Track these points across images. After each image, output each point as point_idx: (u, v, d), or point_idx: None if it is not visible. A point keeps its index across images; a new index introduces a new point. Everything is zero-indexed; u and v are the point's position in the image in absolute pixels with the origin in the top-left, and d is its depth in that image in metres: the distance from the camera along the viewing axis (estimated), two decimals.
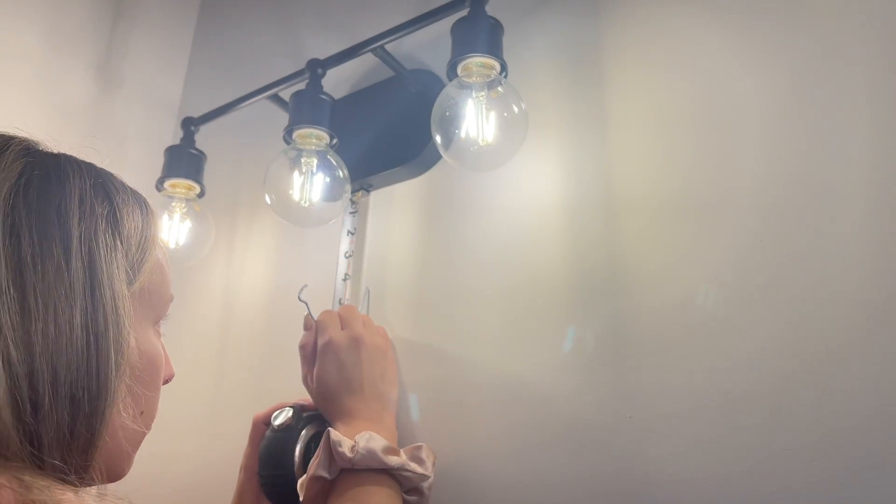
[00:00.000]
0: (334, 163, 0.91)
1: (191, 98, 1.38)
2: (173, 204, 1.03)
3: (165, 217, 1.02)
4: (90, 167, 0.52)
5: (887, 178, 0.61)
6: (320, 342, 0.83)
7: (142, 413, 0.52)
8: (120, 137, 1.29)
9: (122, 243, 0.50)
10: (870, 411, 0.57)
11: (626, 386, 0.70)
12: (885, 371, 0.57)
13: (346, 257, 0.96)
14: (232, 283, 1.14)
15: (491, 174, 0.87)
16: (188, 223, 1.03)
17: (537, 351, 0.77)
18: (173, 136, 1.29)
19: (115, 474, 0.51)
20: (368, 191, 1.01)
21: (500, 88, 0.79)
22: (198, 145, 1.05)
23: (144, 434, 0.55)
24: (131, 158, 1.28)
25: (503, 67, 0.78)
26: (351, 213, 0.98)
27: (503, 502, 0.74)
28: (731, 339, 0.65)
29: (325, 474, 0.73)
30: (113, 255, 0.49)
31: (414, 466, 0.74)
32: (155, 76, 1.37)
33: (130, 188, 0.55)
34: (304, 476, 0.74)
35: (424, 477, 0.74)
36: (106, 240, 0.49)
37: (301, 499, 0.74)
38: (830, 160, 0.64)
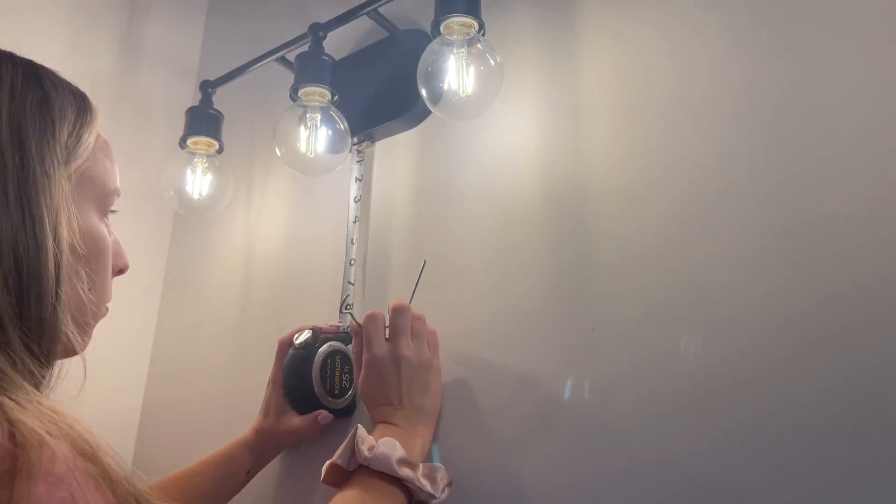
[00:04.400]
0: (336, 117, 1.01)
1: (208, 63, 1.48)
2: (195, 160, 1.13)
3: (188, 171, 1.13)
4: (25, 61, 0.55)
5: (850, 154, 0.69)
6: (365, 355, 0.85)
7: (91, 292, 0.56)
8: (145, 101, 1.39)
9: (52, 124, 0.53)
10: (824, 333, 0.67)
11: (590, 303, 0.80)
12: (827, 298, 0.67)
13: (355, 201, 1.06)
14: (251, 229, 1.25)
15: (476, 125, 0.97)
16: (209, 177, 1.14)
17: (514, 272, 0.87)
18: (193, 98, 1.39)
19: (70, 350, 0.55)
20: (373, 142, 1.11)
21: (478, 45, 0.88)
22: (216, 106, 1.15)
23: (97, 314, 0.59)
24: (156, 120, 1.39)
25: (481, 26, 0.87)
26: (358, 161, 1.08)
27: (479, 393, 0.85)
28: (682, 261, 0.75)
29: (341, 463, 0.76)
30: (42, 133, 0.52)
31: (423, 483, 0.76)
32: (174, 44, 1.47)
33: (68, 83, 0.58)
34: (328, 461, 0.78)
35: (431, 496, 0.77)
36: (35, 119, 0.52)
37: (321, 480, 0.79)
38: (794, 142, 0.71)
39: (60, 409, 0.47)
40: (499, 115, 0.95)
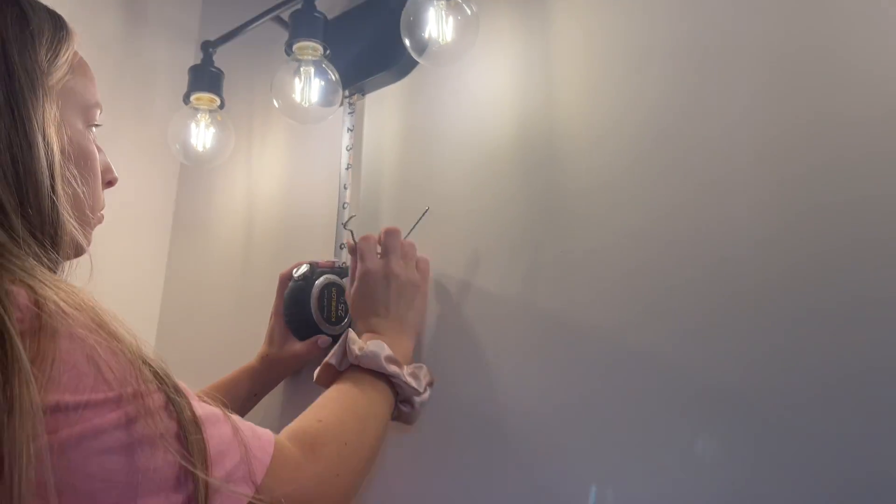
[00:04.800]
0: (328, 69, 1.09)
1: (208, 24, 1.56)
2: (199, 115, 1.22)
3: (193, 125, 1.21)
4: None
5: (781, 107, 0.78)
6: (359, 269, 0.92)
7: (85, 195, 0.62)
8: (150, 63, 1.48)
9: (32, 37, 0.59)
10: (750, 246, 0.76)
11: (560, 229, 0.89)
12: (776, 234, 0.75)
13: (347, 150, 1.14)
14: (252, 178, 1.33)
15: (456, 75, 1.05)
16: (212, 130, 1.22)
17: (492, 204, 0.95)
18: (195, 58, 1.46)
19: (77, 245, 0.60)
20: (363, 94, 1.19)
21: None
22: (217, 65, 1.23)
23: (93, 215, 0.65)
24: (160, 80, 1.47)
25: None
26: (349, 113, 1.17)
27: (464, 310, 0.94)
28: (644, 188, 0.83)
29: (334, 363, 0.83)
30: (23, 46, 0.58)
31: (408, 380, 0.83)
32: (175, 7, 1.55)
33: (45, 6, 0.63)
34: (321, 364, 0.86)
35: (416, 391, 0.85)
36: (15, 33, 0.58)
37: (315, 381, 0.86)
38: (748, 91, 0.80)
39: (78, 288, 0.54)
40: (476, 65, 1.03)
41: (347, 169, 1.14)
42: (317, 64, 1.09)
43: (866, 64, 0.70)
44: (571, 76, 0.93)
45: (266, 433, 0.64)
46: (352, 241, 0.96)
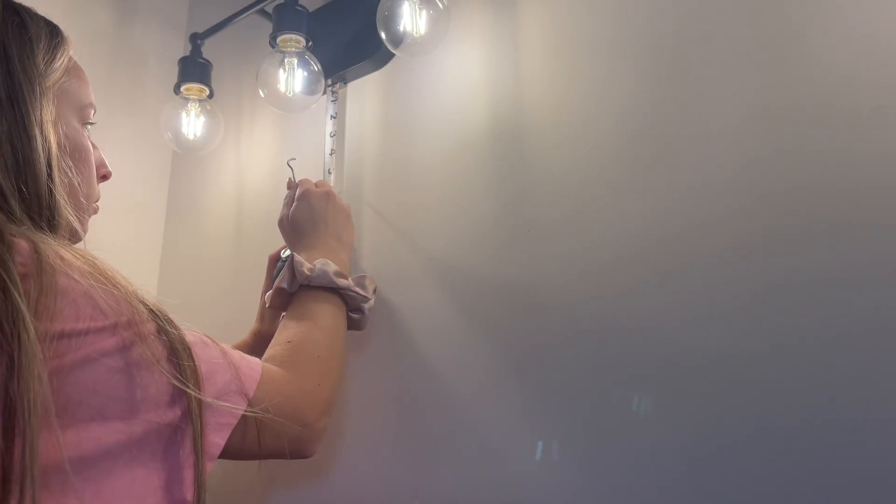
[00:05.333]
0: (310, 60, 1.15)
1: (196, 16, 1.61)
2: (189, 104, 1.27)
3: (183, 115, 1.27)
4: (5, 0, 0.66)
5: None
6: (299, 191, 1.01)
7: (80, 185, 0.68)
8: (140, 55, 1.53)
9: (30, 42, 0.64)
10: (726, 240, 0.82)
11: (526, 206, 0.95)
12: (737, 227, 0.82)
13: (331, 136, 1.20)
14: (242, 164, 1.39)
15: (432, 66, 1.11)
16: (202, 119, 1.28)
17: (465, 188, 1.02)
18: (184, 51, 1.52)
19: (74, 232, 0.65)
20: (345, 83, 1.25)
21: None
22: (206, 56, 1.29)
23: (89, 205, 0.71)
24: (151, 71, 1.53)
25: None
26: (332, 101, 1.22)
27: (437, 287, 1.01)
28: (608, 181, 0.90)
29: (285, 286, 0.90)
30: (22, 50, 0.63)
31: (358, 290, 0.93)
32: (164, 0, 1.60)
33: (42, 16, 0.68)
34: (271, 289, 0.93)
35: (366, 299, 0.94)
36: (15, 38, 0.63)
37: (267, 306, 0.94)
38: (715, 80, 0.87)
39: (77, 247, 0.60)
40: (451, 57, 1.09)
41: (331, 154, 1.20)
42: (300, 55, 1.15)
43: (840, 53, 0.76)
44: (541, 67, 0.99)
45: (254, 358, 0.73)
46: (293, 180, 1.05)
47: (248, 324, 1.15)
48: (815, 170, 0.73)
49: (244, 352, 1.10)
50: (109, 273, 0.58)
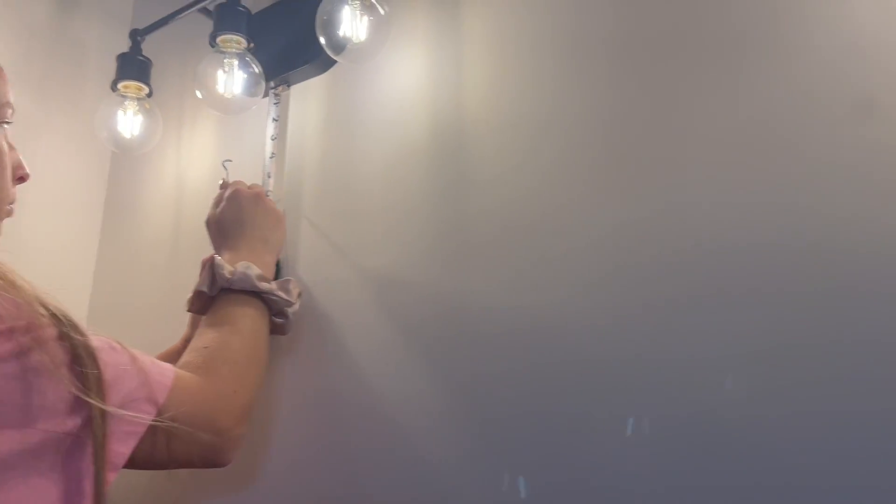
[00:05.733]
0: (251, 62, 1.13)
1: (140, 11, 1.58)
2: (126, 102, 1.25)
3: (120, 113, 1.24)
4: None
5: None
6: (228, 192, 1.00)
7: None
8: (80, 49, 1.49)
9: None
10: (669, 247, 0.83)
11: (464, 219, 0.95)
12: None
13: (272, 139, 1.19)
14: (182, 165, 1.37)
15: (375, 71, 1.09)
16: (140, 118, 1.25)
17: (404, 197, 1.01)
18: (127, 46, 1.49)
19: None
20: (288, 86, 1.23)
21: None
22: (150, 54, 1.26)
23: (0, 210, 0.69)
24: (91, 66, 1.49)
25: None
26: (275, 103, 1.21)
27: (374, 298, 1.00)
28: (539, 182, 0.90)
29: (205, 290, 0.89)
30: None
31: (281, 294, 0.91)
32: None
33: None
34: (193, 292, 0.91)
35: (289, 303, 0.92)
36: None
37: (187, 310, 0.92)
38: (641, 85, 0.87)
39: None
40: (393, 62, 1.08)
41: (272, 158, 1.18)
42: (240, 56, 1.13)
43: (778, 48, 0.77)
44: (484, 74, 0.99)
45: (167, 364, 0.71)
46: (226, 181, 1.05)
47: (183, 327, 1.13)
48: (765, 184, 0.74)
49: (174, 358, 1.10)
50: (9, 276, 0.57)
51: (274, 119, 1.20)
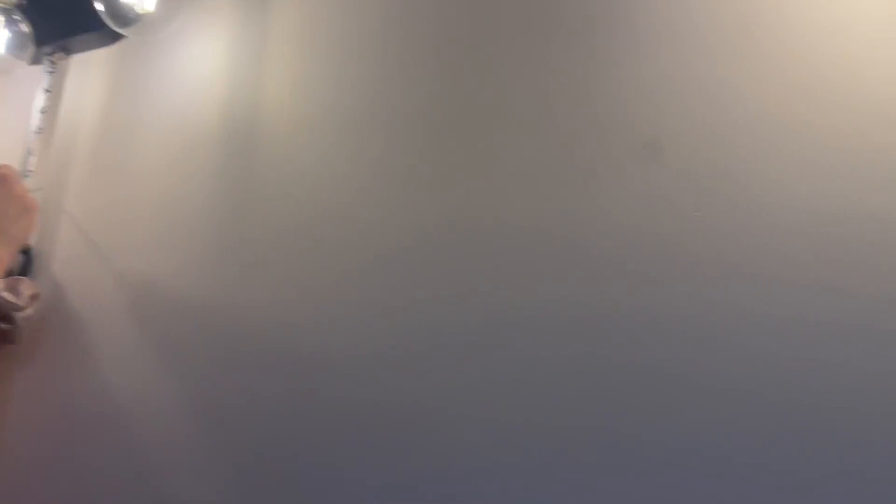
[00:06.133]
0: (19, 20, 0.98)
1: None
2: None
3: None
4: None
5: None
6: None
7: None
8: None
9: None
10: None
11: (248, 211, 0.86)
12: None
13: (41, 112, 1.04)
14: None
15: (172, 51, 0.99)
16: None
17: (183, 193, 0.91)
18: None
19: None
20: (67, 54, 1.09)
21: None
22: None
23: None
24: None
25: None
26: (49, 72, 1.06)
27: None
28: (338, 180, 0.83)
29: None
30: None
31: (7, 296, 0.80)
32: None
33: None
34: None
35: (17, 307, 0.82)
36: None
37: None
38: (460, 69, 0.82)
39: None
40: (191, 45, 0.97)
41: (38, 133, 1.03)
42: (6, 12, 0.98)
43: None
44: (287, 64, 0.91)
45: None
46: None
47: None
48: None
49: None
50: None
51: (46, 90, 1.05)
